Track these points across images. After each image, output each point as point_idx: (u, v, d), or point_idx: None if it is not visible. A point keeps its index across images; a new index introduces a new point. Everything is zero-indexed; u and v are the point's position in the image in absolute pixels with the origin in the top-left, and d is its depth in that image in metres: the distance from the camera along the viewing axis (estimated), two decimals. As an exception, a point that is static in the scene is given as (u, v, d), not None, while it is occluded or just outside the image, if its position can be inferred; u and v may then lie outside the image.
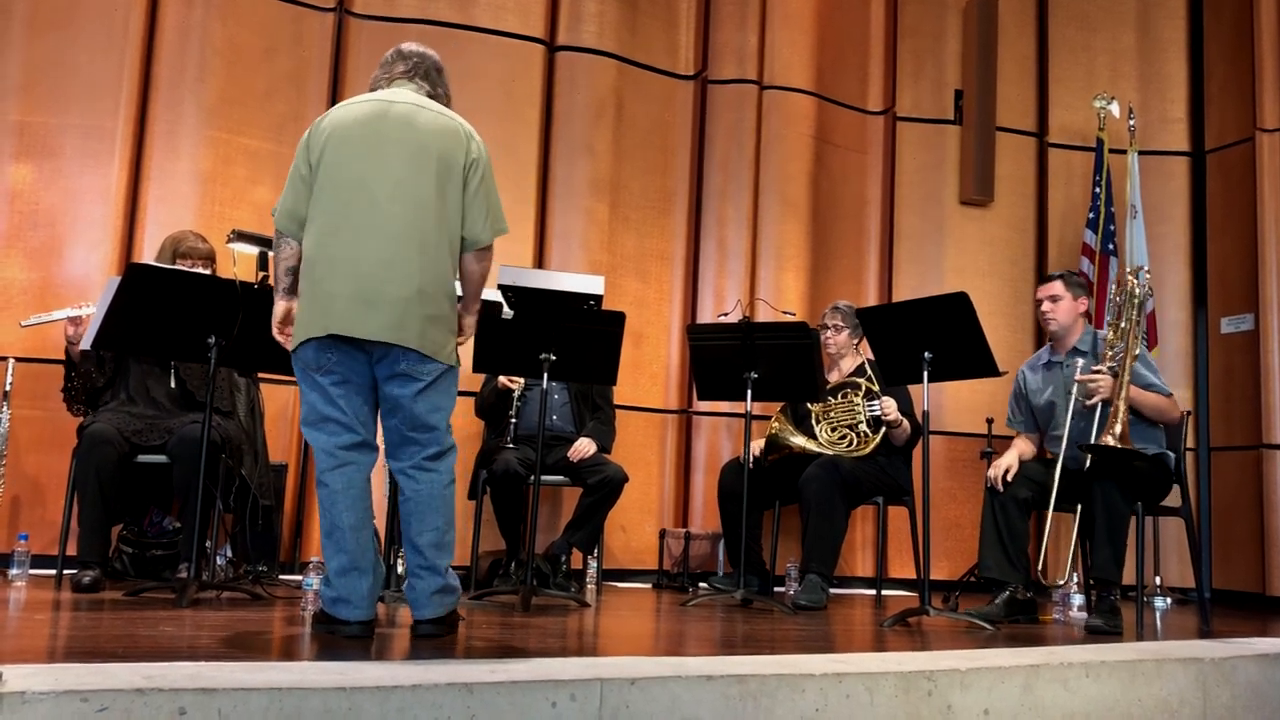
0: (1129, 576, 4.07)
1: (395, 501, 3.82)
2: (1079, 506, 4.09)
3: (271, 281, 3.13)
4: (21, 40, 4.85)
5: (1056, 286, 4.37)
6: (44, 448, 4.66)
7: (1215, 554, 6.07)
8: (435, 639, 2.87)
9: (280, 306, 3.01)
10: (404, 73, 3.09)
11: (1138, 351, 4.08)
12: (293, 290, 2.98)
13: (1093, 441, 3.94)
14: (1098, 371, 4.05)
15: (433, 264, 2.88)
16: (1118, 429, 3.86)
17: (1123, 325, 4.11)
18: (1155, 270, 6.18)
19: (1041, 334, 6.42)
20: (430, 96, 3.07)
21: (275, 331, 3.03)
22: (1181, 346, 6.36)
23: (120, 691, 1.88)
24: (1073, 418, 4.12)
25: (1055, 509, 4.07)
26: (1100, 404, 4.04)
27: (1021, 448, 4.40)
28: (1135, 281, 4.18)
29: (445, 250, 2.93)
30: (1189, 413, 4.46)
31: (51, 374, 4.34)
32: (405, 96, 3.00)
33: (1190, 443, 5.99)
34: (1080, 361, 4.21)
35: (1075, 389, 4.12)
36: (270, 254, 4.24)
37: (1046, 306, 4.37)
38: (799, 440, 4.81)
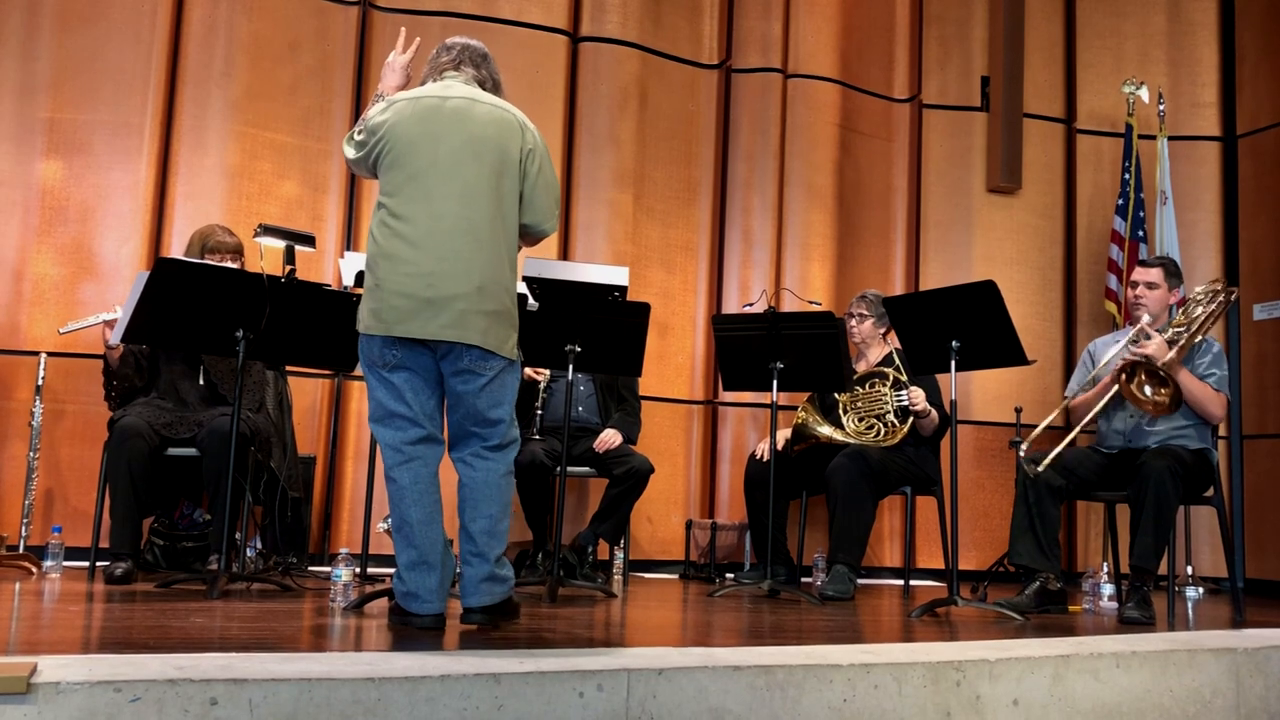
0: (1160, 566, 4.02)
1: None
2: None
3: (284, 272, 3.12)
4: (51, 38, 4.90)
5: (1157, 274, 4.27)
6: (76, 441, 4.72)
7: (1248, 543, 6.00)
8: (481, 627, 2.88)
9: None
10: (449, 63, 3.09)
11: (1202, 339, 4.08)
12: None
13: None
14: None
15: (491, 260, 2.89)
16: (1172, 356, 3.95)
17: (1198, 314, 4.12)
18: (1186, 257, 6.11)
19: (1071, 323, 6.38)
20: (479, 83, 3.08)
21: None
22: (1213, 333, 6.27)
23: (152, 682, 1.90)
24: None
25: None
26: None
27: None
28: (1226, 291, 4.21)
29: (503, 245, 2.93)
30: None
31: (82, 369, 4.38)
32: (458, 90, 3.00)
33: (1222, 430, 5.92)
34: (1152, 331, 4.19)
35: (1131, 335, 4.14)
36: (296, 248, 4.31)
37: (1141, 291, 4.26)
38: (826, 430, 4.79)
